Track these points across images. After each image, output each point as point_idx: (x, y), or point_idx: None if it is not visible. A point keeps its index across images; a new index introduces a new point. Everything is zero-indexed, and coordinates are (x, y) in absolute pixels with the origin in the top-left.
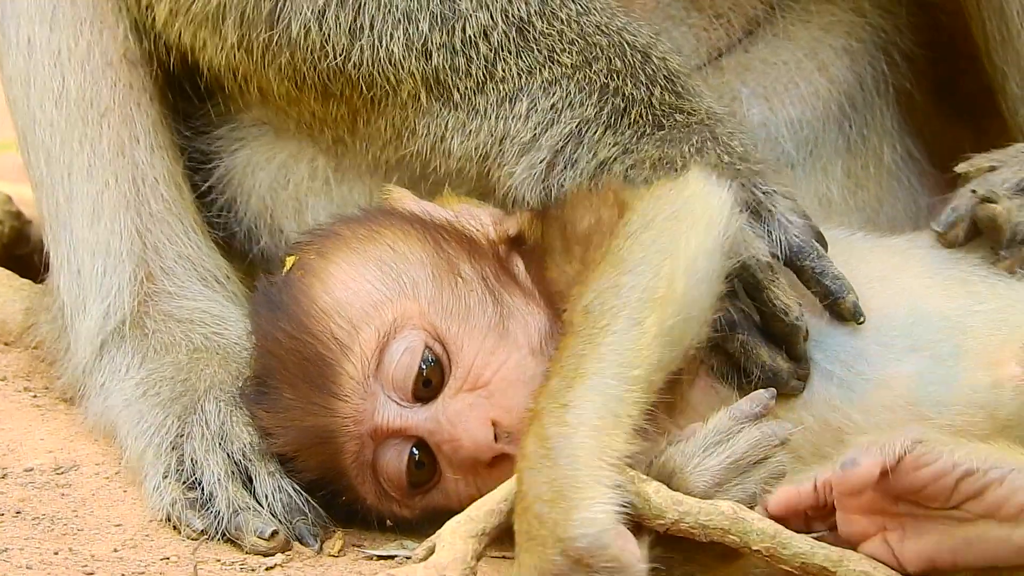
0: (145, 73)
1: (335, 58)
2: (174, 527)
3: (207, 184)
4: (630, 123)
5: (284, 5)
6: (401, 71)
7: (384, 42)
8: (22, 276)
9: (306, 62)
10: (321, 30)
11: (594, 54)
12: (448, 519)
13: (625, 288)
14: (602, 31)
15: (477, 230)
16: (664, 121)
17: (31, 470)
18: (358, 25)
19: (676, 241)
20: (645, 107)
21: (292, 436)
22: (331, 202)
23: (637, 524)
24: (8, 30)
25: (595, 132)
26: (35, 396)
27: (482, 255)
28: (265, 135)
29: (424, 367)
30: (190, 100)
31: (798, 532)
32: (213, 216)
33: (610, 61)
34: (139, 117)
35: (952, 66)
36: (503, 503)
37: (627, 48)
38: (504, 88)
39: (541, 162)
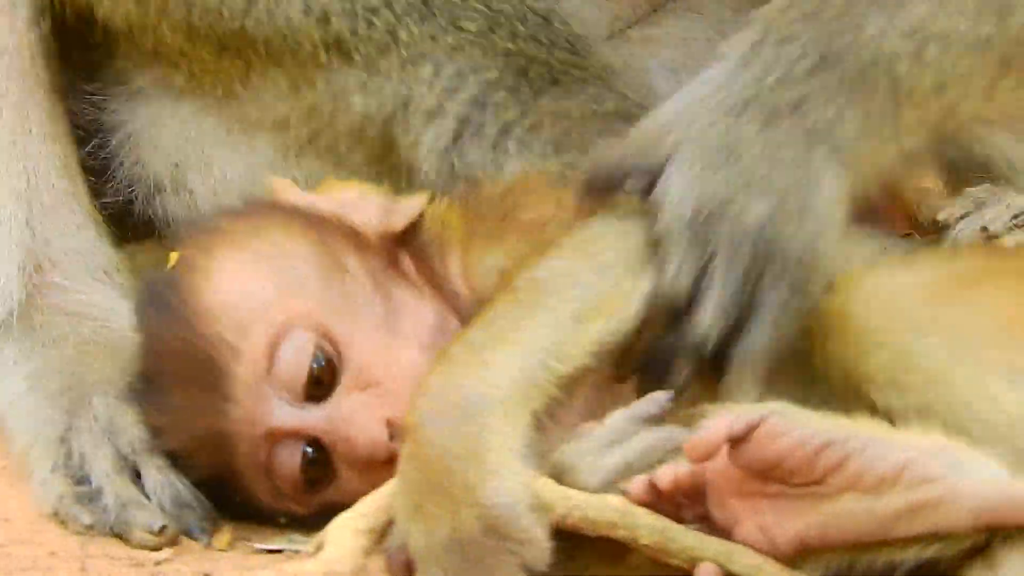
0: (41, 62)
1: (231, 20)
2: (62, 522)
3: (104, 154)
4: (528, 82)
5: None
6: (300, 34)
7: (282, 7)
8: None
9: (201, 20)
10: None
11: (497, 20)
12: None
13: (584, 284)
14: None
15: (364, 222)
16: (561, 77)
17: None
18: None
19: (642, 268)
20: (543, 66)
21: (182, 436)
22: (239, 154)
23: None
24: None
25: (498, 96)
26: None
27: (369, 249)
28: (163, 97)
29: (315, 367)
30: (87, 73)
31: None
32: (112, 186)
33: (513, 26)
34: (33, 107)
35: None
36: (392, 497)
37: (528, 13)
38: (407, 53)
39: (447, 131)
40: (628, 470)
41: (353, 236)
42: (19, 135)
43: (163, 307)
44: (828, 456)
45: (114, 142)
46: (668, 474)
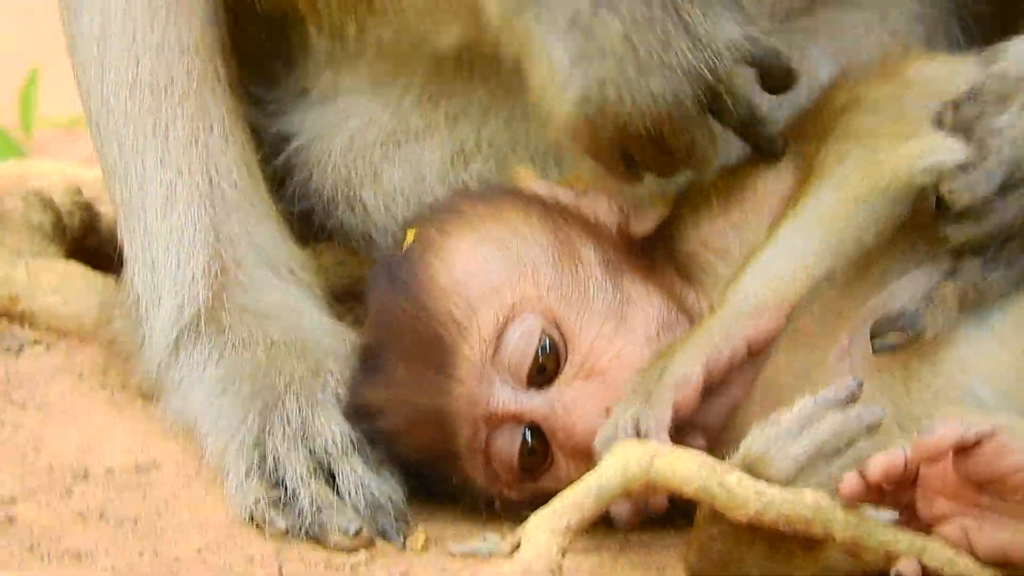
0: (220, 60)
1: None
2: (257, 526)
3: (280, 162)
4: None
5: None
6: None
7: None
8: (94, 268)
9: None
10: None
11: None
12: None
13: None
14: None
15: (603, 217)
16: None
17: (112, 470)
18: None
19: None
20: None
21: (403, 414)
22: (407, 164)
23: None
24: (81, 17)
25: None
26: (112, 393)
27: (604, 240)
28: (335, 105)
29: (540, 353)
30: (264, 86)
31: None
32: (289, 195)
33: None
34: (213, 104)
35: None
36: (587, 497)
37: None
38: None
39: None
40: (818, 456)
41: (590, 228)
42: (200, 133)
43: (396, 283)
44: None
45: (285, 154)
46: (880, 464)
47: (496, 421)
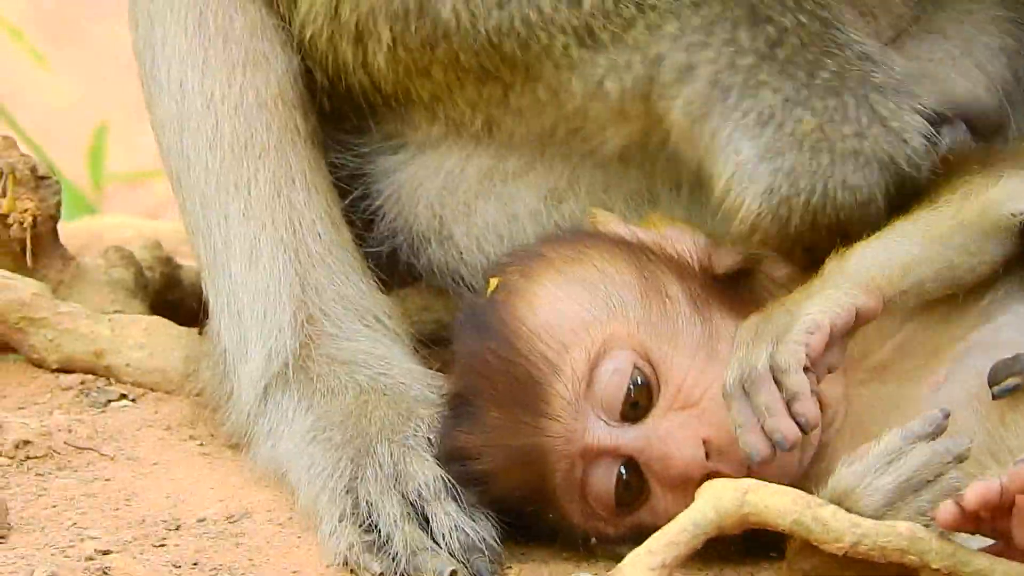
0: (299, 114)
1: (483, 32)
2: (352, 571)
3: (369, 203)
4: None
5: None
6: (552, 27)
7: (533, 2)
8: (176, 322)
9: (462, 44)
10: (468, 6)
11: None
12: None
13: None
14: None
15: (685, 252)
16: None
17: (204, 520)
18: None
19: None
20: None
21: (499, 455)
22: (500, 203)
23: None
24: (159, 74)
25: (745, 57)
26: (201, 444)
27: (689, 276)
28: (425, 149)
29: (632, 387)
30: (346, 132)
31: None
32: (379, 235)
33: None
34: (294, 158)
35: None
36: (682, 534)
37: None
38: (653, 16)
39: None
40: (906, 489)
41: (674, 265)
42: (283, 186)
43: (484, 328)
44: None
45: (376, 195)
46: (977, 492)
47: (592, 456)
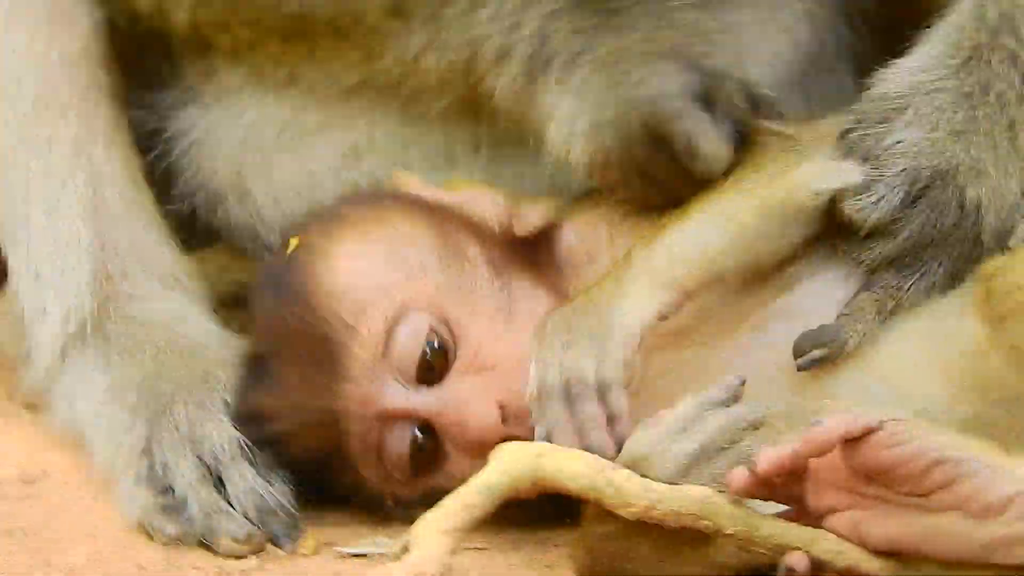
0: (103, 71)
1: (294, 4)
2: (147, 534)
3: (168, 161)
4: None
5: None
6: (362, 2)
7: None
8: None
9: (266, 9)
10: None
11: None
12: None
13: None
14: None
15: (487, 217)
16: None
17: None
18: None
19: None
20: None
21: (295, 417)
22: (299, 158)
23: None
24: None
25: (560, 28)
26: None
27: (489, 240)
28: (224, 103)
29: (429, 350)
30: (147, 88)
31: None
32: (178, 194)
33: None
34: (96, 116)
35: (913, 26)
36: (475, 496)
37: None
38: None
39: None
40: (701, 455)
41: (474, 228)
42: (84, 143)
43: (282, 289)
44: (940, 473)
45: (176, 151)
46: (770, 457)
47: (388, 419)
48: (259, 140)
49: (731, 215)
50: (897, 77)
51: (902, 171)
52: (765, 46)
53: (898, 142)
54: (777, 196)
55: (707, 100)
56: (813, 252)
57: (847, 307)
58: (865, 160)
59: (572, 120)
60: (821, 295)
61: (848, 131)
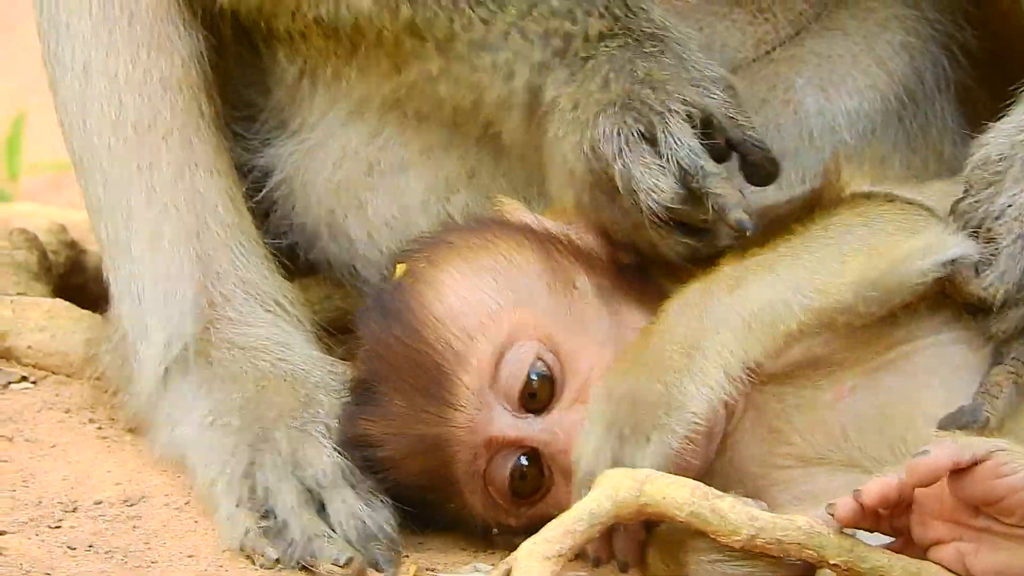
0: (204, 96)
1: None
2: (247, 557)
3: (261, 195)
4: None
5: None
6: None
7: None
8: (80, 306)
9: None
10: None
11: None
12: None
13: (857, 229)
14: None
15: (592, 242)
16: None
17: (100, 503)
18: None
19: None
20: (582, 40)
21: (401, 443)
22: (389, 197)
23: None
24: (63, 55)
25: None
26: (100, 428)
27: (596, 267)
28: (311, 140)
29: (533, 379)
30: (244, 121)
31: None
32: (274, 229)
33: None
34: (197, 140)
35: (1014, 61)
36: (579, 523)
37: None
38: (473, 37)
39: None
40: None
41: (581, 255)
42: (186, 168)
43: (390, 315)
44: None
45: (267, 186)
46: (876, 488)
47: (495, 447)
48: (349, 179)
49: (821, 288)
50: (998, 140)
51: (1019, 237)
52: (860, 77)
53: (1009, 206)
54: (878, 270)
55: (650, 138)
56: (934, 311)
57: (982, 384)
58: (978, 230)
59: (560, 170)
60: (939, 357)
61: (958, 201)
